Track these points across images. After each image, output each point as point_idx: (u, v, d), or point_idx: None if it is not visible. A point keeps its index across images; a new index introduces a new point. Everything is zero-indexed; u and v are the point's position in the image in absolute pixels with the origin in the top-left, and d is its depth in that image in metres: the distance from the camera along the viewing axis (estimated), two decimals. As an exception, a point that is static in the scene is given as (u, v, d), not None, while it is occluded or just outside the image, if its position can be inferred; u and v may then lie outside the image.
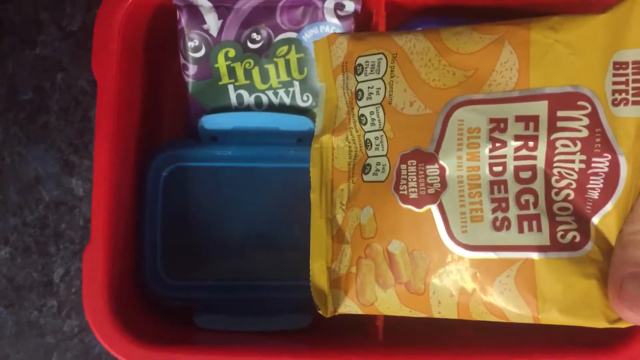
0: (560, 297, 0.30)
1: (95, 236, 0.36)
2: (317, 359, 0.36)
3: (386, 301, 0.34)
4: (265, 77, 0.41)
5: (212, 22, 0.40)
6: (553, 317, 0.31)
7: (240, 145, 0.42)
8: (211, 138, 0.42)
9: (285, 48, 0.41)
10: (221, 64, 0.41)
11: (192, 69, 0.41)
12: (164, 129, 0.45)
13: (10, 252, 0.46)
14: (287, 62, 0.41)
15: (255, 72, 0.41)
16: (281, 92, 0.42)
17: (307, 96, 0.42)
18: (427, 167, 0.33)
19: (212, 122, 0.41)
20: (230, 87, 0.42)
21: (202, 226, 0.42)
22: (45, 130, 0.47)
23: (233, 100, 0.42)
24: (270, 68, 0.41)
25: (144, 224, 0.41)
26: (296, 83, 0.42)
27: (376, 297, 0.34)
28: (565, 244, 0.31)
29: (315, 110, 0.42)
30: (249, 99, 0.42)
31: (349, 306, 0.35)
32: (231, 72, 0.41)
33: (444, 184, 0.32)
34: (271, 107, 0.42)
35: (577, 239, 0.31)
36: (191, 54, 0.40)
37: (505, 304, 0.31)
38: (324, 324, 0.42)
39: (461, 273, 0.32)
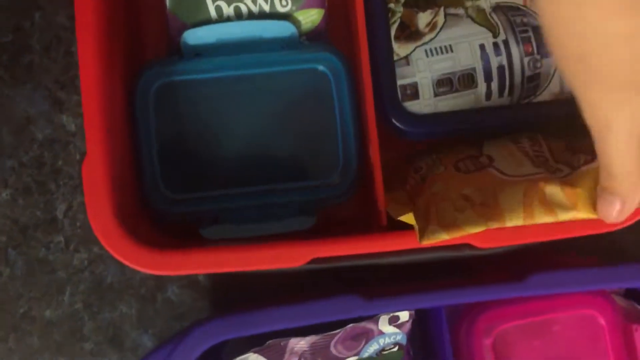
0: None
1: (91, 148, 0.36)
2: (327, 244, 0.37)
3: (464, 220, 0.35)
4: None
5: None
6: None
7: (225, 55, 0.42)
8: (195, 54, 0.42)
9: None
10: None
11: None
12: (147, 47, 0.45)
13: (11, 193, 0.46)
14: None
15: None
16: None
17: (286, 1, 0.42)
18: None
19: (194, 36, 0.41)
20: (209, 0, 0.42)
21: (197, 139, 0.42)
22: (30, 69, 0.47)
23: (212, 12, 0.42)
24: None
25: (139, 140, 0.41)
26: None
27: (456, 218, 0.35)
28: None
29: (296, 15, 0.42)
30: (228, 10, 0.42)
31: (436, 232, 0.36)
32: None
33: None
34: (251, 16, 0.42)
35: None
36: None
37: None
38: (326, 226, 0.43)
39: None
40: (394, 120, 0.41)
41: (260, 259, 0.37)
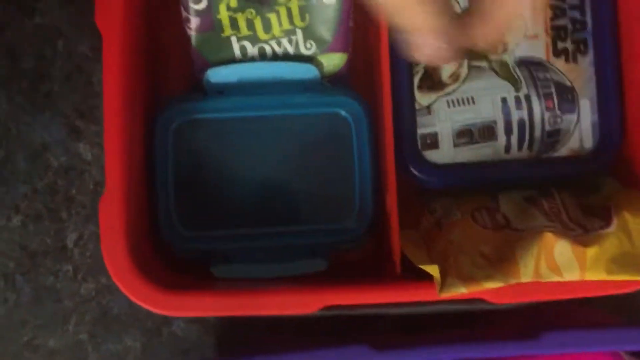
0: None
1: (110, 185, 0.36)
2: (339, 292, 0.37)
3: (483, 276, 0.35)
4: (267, 27, 0.42)
5: None
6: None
7: (247, 95, 0.42)
8: (217, 91, 0.42)
9: None
10: (223, 15, 0.41)
11: (194, 22, 0.41)
12: (169, 83, 0.45)
13: (22, 219, 0.46)
14: (289, 10, 0.41)
15: (258, 22, 0.41)
16: (284, 41, 0.42)
17: (310, 43, 0.42)
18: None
19: (217, 75, 0.42)
20: (234, 39, 0.42)
21: (214, 177, 0.42)
22: (50, 97, 0.47)
23: (237, 52, 0.42)
24: (272, 17, 0.41)
25: (156, 177, 0.41)
26: (298, 31, 0.42)
27: (474, 273, 0.36)
28: None
29: (319, 58, 0.42)
30: (252, 50, 0.42)
31: (455, 285, 0.36)
32: (233, 23, 0.41)
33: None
34: (275, 57, 0.43)
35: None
36: (193, 6, 0.41)
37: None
38: (339, 269, 0.42)
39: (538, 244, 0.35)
40: (412, 169, 0.41)
41: (270, 305, 0.37)
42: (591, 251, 0.35)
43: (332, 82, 0.43)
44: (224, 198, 0.42)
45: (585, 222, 0.38)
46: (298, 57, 0.42)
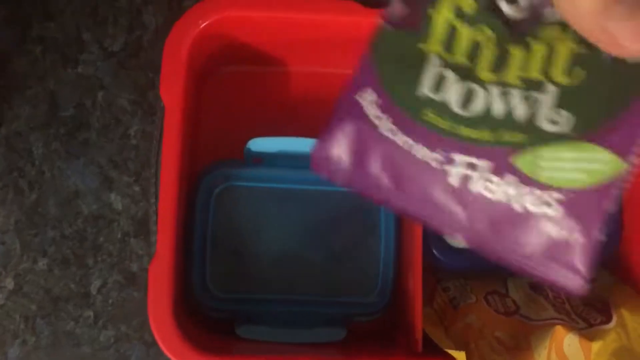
0: None
1: (161, 251, 0.38)
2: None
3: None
4: (500, 63, 0.25)
5: None
6: None
7: (284, 168, 0.44)
8: (254, 159, 0.45)
9: (557, 30, 0.24)
10: (442, 16, 0.25)
11: (396, 4, 0.26)
12: (202, 146, 0.47)
13: (48, 263, 0.47)
14: (552, 52, 0.25)
15: (488, 50, 0.25)
16: (517, 93, 0.24)
17: (561, 115, 0.24)
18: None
19: (258, 144, 0.44)
20: (434, 59, 0.25)
21: (246, 243, 0.44)
22: (86, 146, 0.48)
23: (427, 81, 0.25)
24: (516, 51, 0.25)
25: (195, 239, 0.43)
26: (552, 88, 0.24)
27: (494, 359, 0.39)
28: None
29: (567, 145, 0.24)
30: (453, 87, 0.25)
31: None
32: (450, 35, 0.25)
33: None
34: (484, 115, 0.25)
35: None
36: None
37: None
38: (357, 338, 0.45)
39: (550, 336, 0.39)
40: (435, 252, 0.44)
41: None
42: (596, 345, 0.39)
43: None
44: (253, 263, 0.45)
45: (586, 314, 0.42)
46: (532, 129, 0.24)
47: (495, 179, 0.24)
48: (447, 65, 0.25)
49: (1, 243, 0.47)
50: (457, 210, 0.24)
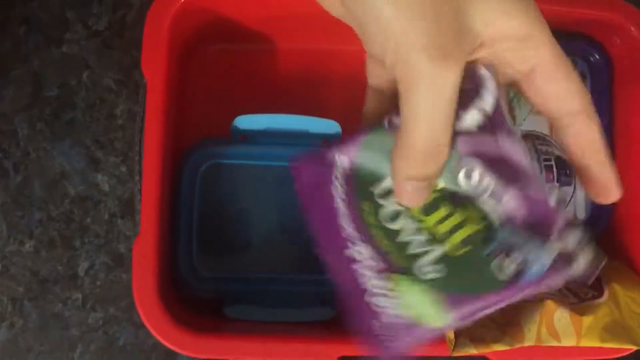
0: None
1: (144, 229, 0.37)
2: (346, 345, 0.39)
3: (492, 338, 0.38)
4: (429, 210, 0.29)
5: None
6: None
7: (272, 145, 0.44)
8: (241, 137, 0.44)
9: (477, 212, 0.28)
10: None
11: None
12: (188, 124, 0.46)
13: (35, 245, 0.47)
14: (463, 223, 0.28)
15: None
16: (423, 237, 0.29)
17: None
18: None
19: (245, 122, 0.43)
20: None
21: (233, 221, 0.44)
22: (71, 126, 0.47)
23: (379, 186, 0.30)
24: (443, 209, 0.29)
25: (181, 218, 0.42)
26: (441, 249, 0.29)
27: (484, 335, 0.38)
28: None
29: None
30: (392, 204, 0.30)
31: (466, 346, 0.38)
32: None
33: None
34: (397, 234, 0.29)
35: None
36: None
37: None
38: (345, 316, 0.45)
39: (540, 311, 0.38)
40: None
41: (293, 352, 0.39)
42: (587, 320, 0.39)
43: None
44: (240, 241, 0.44)
45: (577, 289, 0.42)
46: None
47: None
48: None
49: (-13, 225, 0.47)
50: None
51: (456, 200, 0.28)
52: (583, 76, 0.46)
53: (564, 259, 0.27)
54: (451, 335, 0.38)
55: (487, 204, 0.28)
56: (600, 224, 0.46)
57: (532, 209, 0.27)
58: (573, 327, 0.39)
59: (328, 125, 0.44)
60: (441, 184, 0.28)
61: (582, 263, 0.28)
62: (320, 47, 0.48)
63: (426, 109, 0.25)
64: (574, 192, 0.46)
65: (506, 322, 0.39)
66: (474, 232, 0.28)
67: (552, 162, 0.46)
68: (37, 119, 0.47)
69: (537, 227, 0.27)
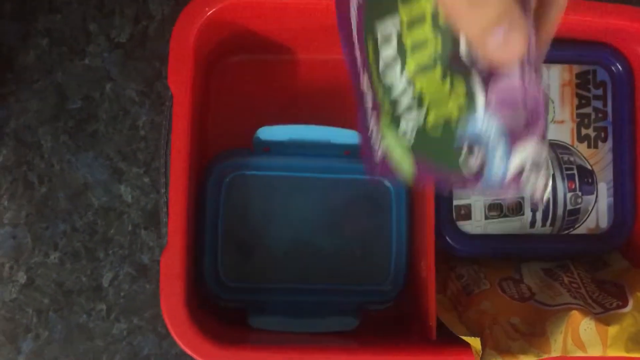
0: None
1: (172, 241, 0.38)
2: (371, 356, 0.39)
3: (518, 349, 0.38)
4: (426, 70, 0.26)
5: None
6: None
7: (294, 156, 0.44)
8: (263, 149, 0.44)
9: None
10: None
11: None
12: (211, 135, 0.47)
13: (60, 257, 0.47)
14: (450, 92, 0.26)
15: (427, 51, 0.26)
16: (410, 90, 0.27)
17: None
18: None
19: (267, 133, 0.44)
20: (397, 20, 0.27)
21: (257, 232, 0.44)
22: (94, 138, 0.48)
23: (382, 25, 0.28)
24: (437, 73, 0.26)
25: (206, 229, 0.43)
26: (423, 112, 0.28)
27: (509, 346, 0.39)
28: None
29: None
30: (390, 48, 0.28)
31: (493, 357, 0.38)
32: (419, 18, 0.26)
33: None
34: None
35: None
36: None
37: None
38: (370, 327, 0.45)
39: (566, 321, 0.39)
40: (447, 238, 0.44)
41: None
42: (613, 330, 0.39)
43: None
44: (264, 252, 0.44)
45: (602, 299, 0.42)
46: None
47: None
48: (400, 34, 0.27)
49: (12, 237, 0.47)
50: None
51: (453, 64, 0.25)
52: (605, 85, 0.46)
53: (521, 172, 0.25)
54: (478, 345, 0.38)
55: (477, 85, 0.25)
56: (623, 233, 0.46)
57: (515, 112, 0.24)
58: (599, 337, 0.39)
59: (349, 136, 0.44)
60: (439, 43, 0.25)
61: (532, 183, 0.26)
62: (341, 57, 0.48)
63: None
64: (595, 200, 0.46)
65: (531, 333, 0.39)
66: (454, 118, 0.26)
67: (574, 171, 0.46)
68: (61, 131, 0.48)
69: (512, 133, 0.25)
